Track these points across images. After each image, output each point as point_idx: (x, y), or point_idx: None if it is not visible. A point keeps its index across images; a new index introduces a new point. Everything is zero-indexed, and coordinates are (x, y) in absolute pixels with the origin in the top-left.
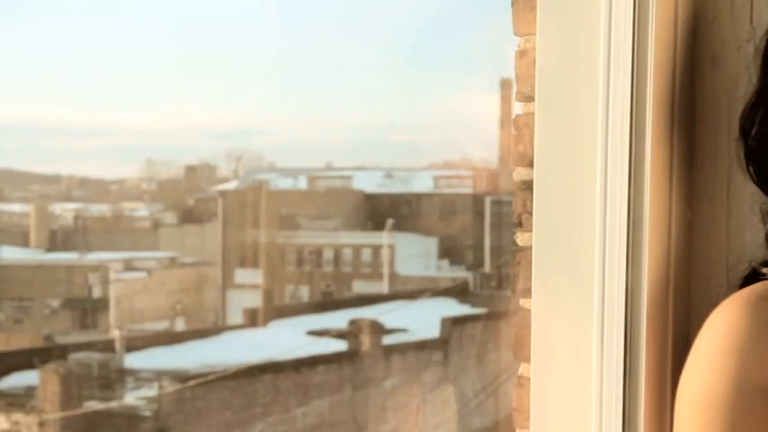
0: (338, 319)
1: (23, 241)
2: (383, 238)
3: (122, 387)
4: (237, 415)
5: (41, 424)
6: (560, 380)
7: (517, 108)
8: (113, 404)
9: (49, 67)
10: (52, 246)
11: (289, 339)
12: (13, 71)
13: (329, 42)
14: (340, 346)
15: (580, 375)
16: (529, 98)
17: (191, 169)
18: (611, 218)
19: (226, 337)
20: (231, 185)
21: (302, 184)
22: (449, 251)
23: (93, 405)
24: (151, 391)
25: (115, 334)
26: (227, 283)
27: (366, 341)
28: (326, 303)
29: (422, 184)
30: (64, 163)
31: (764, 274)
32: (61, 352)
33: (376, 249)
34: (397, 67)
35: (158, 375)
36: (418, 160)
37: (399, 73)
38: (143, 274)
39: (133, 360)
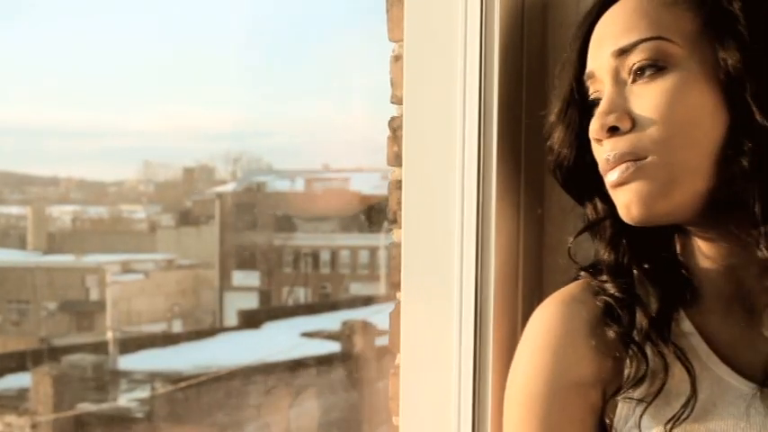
0: (334, 321)
1: (21, 243)
2: (380, 239)
3: (116, 389)
4: (230, 416)
5: (34, 426)
6: (425, 368)
7: (393, 111)
8: (106, 406)
9: (47, 69)
10: (50, 248)
11: (282, 341)
12: (11, 73)
13: (327, 44)
14: (333, 347)
15: (442, 364)
16: (402, 101)
17: (188, 171)
18: (467, 216)
19: (220, 338)
20: (229, 187)
21: (300, 185)
22: None
23: (85, 407)
24: (144, 392)
25: (109, 336)
26: (224, 284)
27: (359, 342)
28: (323, 305)
29: None
30: (62, 165)
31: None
32: (56, 354)
33: (373, 251)
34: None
35: (152, 377)
36: None
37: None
38: (140, 276)
39: (127, 362)
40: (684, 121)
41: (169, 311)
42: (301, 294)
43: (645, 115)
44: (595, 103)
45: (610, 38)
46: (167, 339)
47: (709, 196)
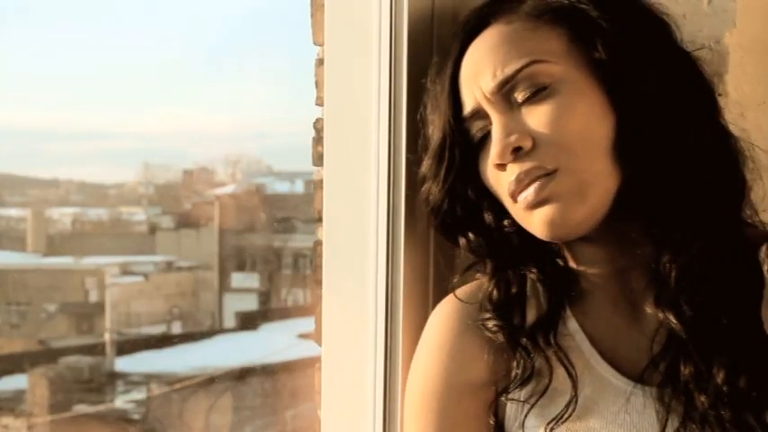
0: None
1: (21, 246)
2: None
3: (112, 390)
4: (226, 417)
5: (31, 427)
6: (344, 362)
7: (318, 112)
8: (102, 407)
9: (47, 72)
10: (50, 250)
11: (279, 342)
12: (10, 75)
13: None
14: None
15: (358, 359)
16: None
17: (188, 173)
18: (381, 215)
19: (217, 340)
20: (228, 189)
21: (299, 187)
22: None
23: (82, 408)
24: (140, 394)
25: (106, 338)
26: (223, 286)
27: None
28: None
29: None
30: (62, 167)
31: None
32: (53, 356)
33: None
34: None
35: (148, 378)
36: None
37: None
38: (140, 279)
39: (124, 364)
40: (580, 129)
41: (168, 313)
42: (300, 296)
43: (543, 131)
44: (482, 139)
45: (485, 74)
46: (164, 341)
47: (617, 195)
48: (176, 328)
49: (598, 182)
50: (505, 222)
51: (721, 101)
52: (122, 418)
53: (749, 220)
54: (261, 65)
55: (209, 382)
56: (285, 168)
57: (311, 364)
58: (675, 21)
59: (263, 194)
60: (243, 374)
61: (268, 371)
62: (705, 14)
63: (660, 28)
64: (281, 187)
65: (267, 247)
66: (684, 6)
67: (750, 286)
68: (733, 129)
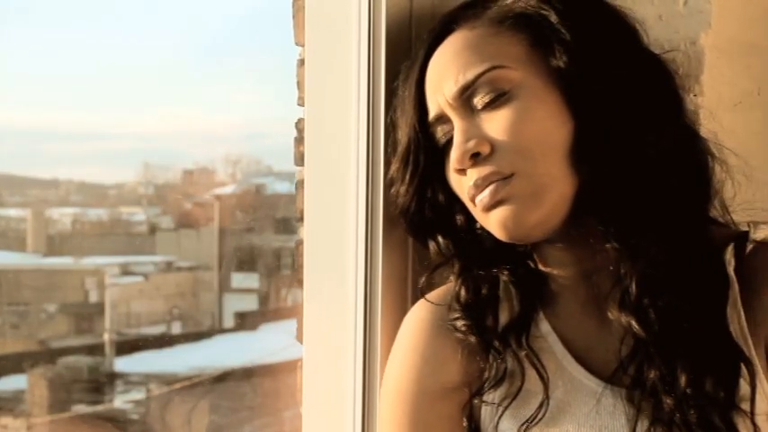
0: None
1: (21, 246)
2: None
3: (111, 391)
4: (225, 417)
5: (30, 428)
6: (325, 361)
7: (299, 112)
8: (101, 408)
9: (47, 72)
10: (50, 250)
11: (278, 342)
12: (10, 75)
13: None
14: None
15: (339, 357)
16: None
17: (188, 173)
18: (360, 214)
19: (217, 340)
20: (228, 189)
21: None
22: None
23: (81, 409)
24: (140, 394)
25: (105, 338)
26: (223, 287)
27: None
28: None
29: None
30: (62, 167)
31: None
32: (53, 356)
33: None
34: None
35: (147, 379)
36: None
37: None
38: (140, 279)
39: (123, 364)
40: (538, 134)
41: (168, 314)
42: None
43: (501, 138)
44: (446, 144)
45: (448, 79)
46: (163, 341)
47: (576, 199)
48: (176, 329)
49: (554, 186)
50: (477, 225)
51: (697, 101)
52: (121, 418)
53: (720, 219)
54: (261, 65)
55: (209, 382)
56: (285, 168)
57: None
58: (648, 23)
59: (264, 194)
60: (242, 374)
61: (267, 371)
62: (681, 16)
63: (624, 33)
64: (281, 187)
65: (267, 247)
66: (660, 8)
67: (715, 288)
68: (706, 130)
